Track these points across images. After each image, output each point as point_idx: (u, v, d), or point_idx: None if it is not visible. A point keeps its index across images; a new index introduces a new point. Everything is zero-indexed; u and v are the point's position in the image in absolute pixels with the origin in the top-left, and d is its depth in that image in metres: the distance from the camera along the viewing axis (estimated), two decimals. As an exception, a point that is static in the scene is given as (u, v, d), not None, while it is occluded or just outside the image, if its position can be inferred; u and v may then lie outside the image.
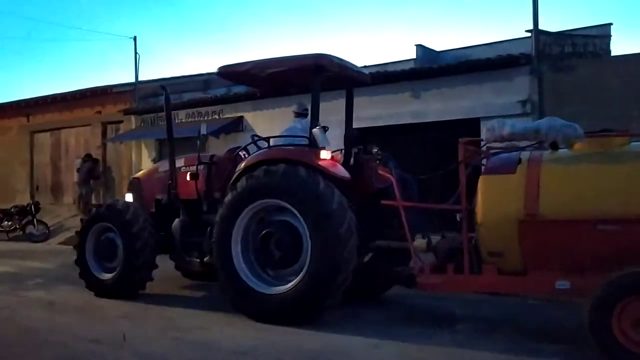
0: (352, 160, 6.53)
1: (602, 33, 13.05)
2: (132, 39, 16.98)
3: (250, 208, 5.85)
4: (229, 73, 6.87)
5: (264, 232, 5.84)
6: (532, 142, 5.06)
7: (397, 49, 50.65)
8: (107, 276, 6.93)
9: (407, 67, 12.68)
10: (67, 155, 18.06)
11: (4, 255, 11.35)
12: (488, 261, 4.96)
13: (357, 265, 5.73)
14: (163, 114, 15.16)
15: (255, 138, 6.72)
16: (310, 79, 6.18)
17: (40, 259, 10.66)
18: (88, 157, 16.16)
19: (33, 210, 14.53)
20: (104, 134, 16.99)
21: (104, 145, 16.85)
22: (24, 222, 14.45)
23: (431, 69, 11.17)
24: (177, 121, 15.02)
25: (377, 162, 6.28)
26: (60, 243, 13.70)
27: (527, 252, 4.75)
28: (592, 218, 4.47)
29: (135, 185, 7.68)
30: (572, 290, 4.59)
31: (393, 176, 5.83)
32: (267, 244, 5.82)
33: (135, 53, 16.63)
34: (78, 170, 16.04)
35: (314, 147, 5.92)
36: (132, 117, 16.05)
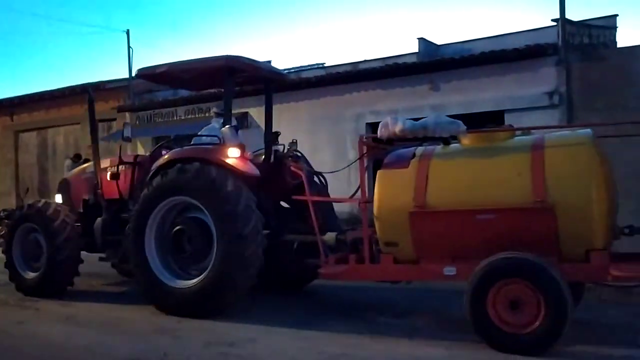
0: (272, 158, 6.80)
1: (608, 24, 12.86)
2: (125, 33, 16.24)
3: (164, 204, 6.14)
4: (148, 75, 7.21)
5: (176, 228, 6.17)
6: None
7: (396, 42, 50.21)
8: (33, 275, 7.17)
9: (409, 60, 12.32)
10: (54, 155, 17.24)
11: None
12: (385, 251, 5.30)
13: (279, 258, 6.39)
14: (160, 110, 14.76)
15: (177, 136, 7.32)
16: (224, 79, 6.57)
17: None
18: (78, 157, 15.37)
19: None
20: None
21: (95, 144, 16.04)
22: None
23: (453, 60, 10.73)
24: (175, 118, 14.43)
25: (290, 159, 6.63)
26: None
27: (418, 241, 5.11)
28: (472, 208, 4.83)
29: (64, 186, 7.90)
30: (458, 275, 4.86)
31: (303, 172, 6.16)
32: (179, 240, 6.15)
33: (129, 47, 15.92)
34: (68, 170, 15.25)
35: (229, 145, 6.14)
36: (127, 114, 15.32)
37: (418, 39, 16.97)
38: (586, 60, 9.43)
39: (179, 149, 6.51)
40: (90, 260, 7.34)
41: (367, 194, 5.44)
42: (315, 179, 6.78)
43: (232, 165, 6.01)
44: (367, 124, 11.49)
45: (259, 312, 6.10)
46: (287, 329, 5.44)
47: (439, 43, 17.62)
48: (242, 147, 6.23)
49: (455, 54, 12.48)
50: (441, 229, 5.01)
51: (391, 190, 5.24)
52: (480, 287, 4.58)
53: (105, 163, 7.34)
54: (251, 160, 6.47)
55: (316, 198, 6.08)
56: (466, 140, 5.28)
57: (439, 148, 5.45)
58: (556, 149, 4.87)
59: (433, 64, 11.08)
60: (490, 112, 10.08)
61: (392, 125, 5.37)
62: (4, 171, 18.14)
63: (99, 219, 7.14)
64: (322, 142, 12.09)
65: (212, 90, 14.25)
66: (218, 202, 5.82)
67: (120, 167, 7.07)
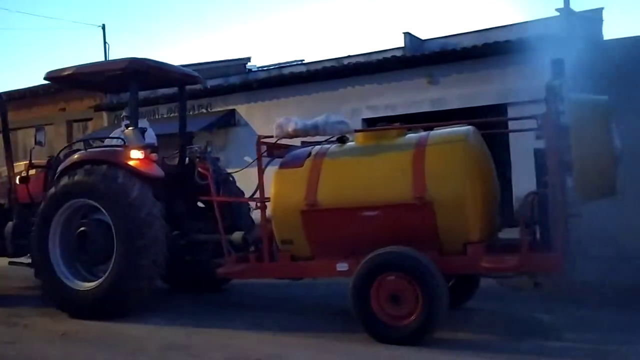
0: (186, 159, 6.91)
1: (594, 17, 12.75)
2: (100, 27, 15.49)
3: (68, 205, 6.15)
4: (56, 78, 7.13)
5: (79, 229, 6.18)
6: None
7: (375, 38, 49.87)
8: None
9: (395, 55, 11.96)
10: (25, 158, 16.28)
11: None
12: (282, 249, 5.42)
13: (194, 258, 6.62)
14: (140, 109, 14.05)
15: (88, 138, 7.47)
16: (128, 81, 6.59)
17: (18, 277, 9.21)
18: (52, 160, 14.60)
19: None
20: (69, 133, 15.40)
21: (70, 146, 15.25)
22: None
23: (454, 51, 10.40)
24: (157, 117, 13.76)
25: (197, 159, 6.53)
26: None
27: (311, 239, 5.24)
28: (358, 205, 4.97)
29: None
30: (350, 271, 4.93)
31: (209, 173, 6.10)
32: (83, 241, 6.16)
33: (105, 43, 15.17)
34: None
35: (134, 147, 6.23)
36: (104, 114, 14.57)
37: (404, 33, 16.69)
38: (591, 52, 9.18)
39: (85, 150, 6.53)
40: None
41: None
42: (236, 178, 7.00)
43: (134, 167, 6.11)
44: (363, 119, 11.10)
45: (273, 324, 5.60)
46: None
47: (423, 38, 17.43)
48: (146, 149, 6.29)
49: (441, 48, 12.20)
50: (331, 227, 5.17)
51: (285, 189, 5.39)
52: (363, 281, 4.77)
53: (19, 167, 7.26)
54: (164, 162, 6.80)
55: (220, 198, 6.13)
56: (360, 139, 5.49)
57: (333, 147, 5.57)
58: (435, 147, 5.04)
59: (431, 56, 10.74)
60: (492, 106, 9.80)
61: (285, 125, 5.59)
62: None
63: (9, 223, 6.97)
64: (315, 138, 11.63)
65: (198, 87, 13.74)
66: (121, 208, 5.88)
67: (31, 170, 7.06)
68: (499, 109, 9.82)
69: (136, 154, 6.23)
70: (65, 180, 6.12)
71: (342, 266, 5.08)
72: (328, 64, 12.06)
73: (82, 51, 49.20)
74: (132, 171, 6.09)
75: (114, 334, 5.47)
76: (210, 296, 6.99)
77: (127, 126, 6.85)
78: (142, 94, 14.19)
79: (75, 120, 15.33)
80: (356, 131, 5.60)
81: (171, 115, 13.47)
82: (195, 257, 6.72)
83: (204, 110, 13.05)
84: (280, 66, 18.02)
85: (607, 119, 4.70)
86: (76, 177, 6.06)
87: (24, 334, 5.58)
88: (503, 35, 10.81)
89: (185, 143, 7.36)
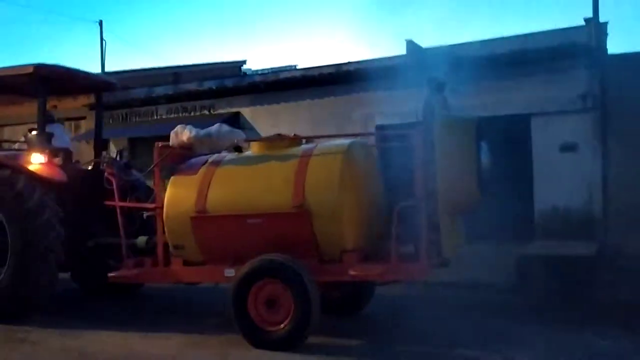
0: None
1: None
2: (97, 23, 14.82)
3: None
4: None
5: None
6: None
7: (377, 44, 49.24)
8: None
9: (397, 62, 11.52)
10: (13, 156, 15.52)
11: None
12: (175, 254, 5.61)
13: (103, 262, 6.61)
14: (138, 109, 13.48)
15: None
16: (36, 87, 6.68)
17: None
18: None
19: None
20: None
21: (61, 145, 14.53)
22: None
23: (473, 59, 9.98)
24: (155, 117, 13.19)
25: (105, 164, 6.83)
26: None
27: (201, 244, 5.45)
28: (243, 213, 5.19)
29: None
30: (236, 277, 5.06)
31: (114, 178, 6.22)
32: None
33: (102, 39, 14.53)
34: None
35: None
36: (99, 113, 13.88)
37: (406, 40, 16.41)
38: (622, 62, 8.95)
39: None
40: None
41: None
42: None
43: (35, 172, 6.18)
44: (377, 125, 10.68)
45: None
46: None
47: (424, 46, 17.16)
48: (49, 153, 6.40)
49: (443, 57, 11.86)
50: (219, 233, 5.36)
51: (178, 195, 5.60)
52: (241, 287, 4.99)
53: None
54: (77, 167, 7.19)
55: (121, 203, 6.17)
56: (254, 148, 5.80)
57: (229, 155, 5.85)
58: (318, 158, 5.26)
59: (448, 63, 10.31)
60: (514, 115, 9.48)
61: (180, 134, 5.90)
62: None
63: None
64: (325, 144, 11.21)
65: (201, 88, 13.20)
66: (17, 215, 6.00)
67: None
68: (523, 119, 9.52)
69: (38, 159, 6.33)
70: None
71: (229, 272, 5.20)
72: (326, 71, 11.65)
73: (78, 46, 48.00)
74: (33, 176, 6.16)
75: (132, 351, 4.96)
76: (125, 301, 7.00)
77: (29, 130, 6.97)
78: (141, 94, 13.71)
79: (68, 119, 14.60)
80: (250, 141, 6.03)
81: (171, 116, 12.93)
82: (105, 261, 6.66)
83: (207, 112, 12.50)
84: (275, 70, 17.59)
85: (473, 138, 5.07)
86: None
87: (33, 353, 5.02)
88: (512, 45, 10.51)
89: (100, 148, 7.66)
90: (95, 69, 14.65)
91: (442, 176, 4.89)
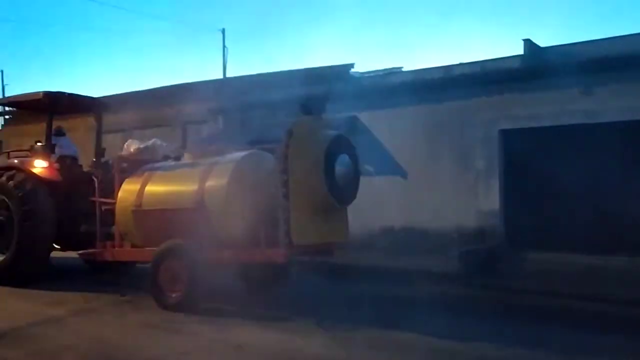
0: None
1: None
2: (220, 32, 15.60)
3: None
4: (9, 103, 10.60)
5: None
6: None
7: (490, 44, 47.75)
8: None
9: (513, 65, 11.03)
10: (140, 157, 16.71)
11: (108, 271, 10.02)
12: (125, 239, 7.72)
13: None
14: (255, 112, 14.04)
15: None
16: (45, 109, 9.31)
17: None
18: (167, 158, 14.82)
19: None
20: (184, 134, 15.62)
21: (184, 149, 15.46)
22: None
23: (615, 59, 9.40)
24: (273, 121, 13.63)
25: (90, 166, 9.50)
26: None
27: (138, 232, 7.42)
28: (162, 208, 7.08)
29: None
30: None
31: (96, 178, 8.27)
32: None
33: (224, 46, 15.31)
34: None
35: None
36: (220, 117, 14.64)
37: (523, 40, 15.80)
38: None
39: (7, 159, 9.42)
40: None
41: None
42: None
43: (36, 173, 8.60)
44: (500, 130, 10.42)
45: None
46: None
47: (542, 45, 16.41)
48: (50, 159, 8.89)
49: (561, 57, 11.30)
50: (149, 223, 7.23)
51: (126, 194, 7.59)
52: (155, 263, 6.88)
53: None
54: (81, 170, 9.55)
55: (97, 199, 8.03)
56: (186, 157, 7.85)
57: (166, 163, 7.93)
58: (218, 166, 7.00)
59: (583, 64, 9.80)
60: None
61: (128, 146, 8.52)
62: (87, 173, 17.74)
63: None
64: (442, 150, 11.10)
65: (310, 93, 13.50)
66: (18, 203, 8.36)
67: None
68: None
69: (41, 163, 8.77)
70: None
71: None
72: (436, 73, 11.45)
73: (202, 54, 50.87)
74: (36, 176, 8.56)
75: (291, 349, 5.20)
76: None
77: (35, 142, 9.28)
78: (256, 99, 14.25)
79: (191, 123, 15.55)
80: (186, 151, 8.26)
81: (287, 119, 13.31)
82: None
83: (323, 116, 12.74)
84: (383, 73, 17.57)
85: (324, 152, 6.49)
86: None
87: (195, 344, 5.40)
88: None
89: (100, 154, 9.75)
90: (218, 74, 15.38)
91: (296, 182, 6.34)
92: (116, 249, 7.73)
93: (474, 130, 10.67)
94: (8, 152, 9.82)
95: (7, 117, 22.02)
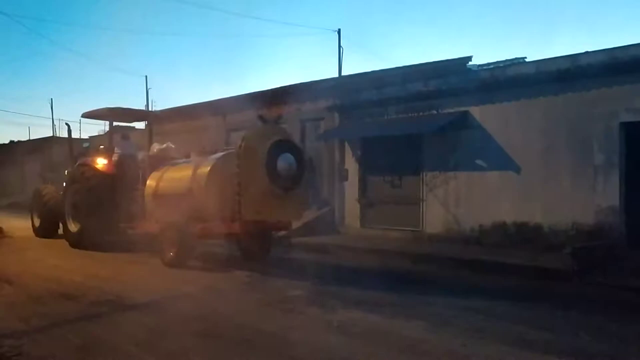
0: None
1: None
2: (336, 32, 16.22)
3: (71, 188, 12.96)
4: (90, 115, 14.15)
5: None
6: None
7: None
8: None
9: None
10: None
11: (234, 256, 11.06)
12: (151, 216, 10.99)
13: None
14: (369, 110, 14.49)
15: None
16: (109, 119, 13.63)
17: (272, 263, 10.06)
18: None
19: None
20: (302, 132, 16.46)
21: (303, 144, 16.29)
22: (232, 221, 14.28)
23: None
24: (385, 117, 14.00)
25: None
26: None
27: (156, 211, 10.66)
28: (171, 193, 10.19)
29: None
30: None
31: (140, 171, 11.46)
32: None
33: (339, 46, 15.87)
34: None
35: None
36: (336, 114, 15.26)
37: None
38: None
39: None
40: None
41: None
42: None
43: (99, 167, 12.36)
44: (621, 123, 9.91)
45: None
46: None
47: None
48: (110, 157, 12.45)
49: None
50: (162, 204, 10.42)
51: (151, 182, 10.79)
52: (161, 234, 9.95)
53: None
54: (134, 165, 12.05)
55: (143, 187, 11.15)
56: (191, 156, 10.98)
57: (181, 160, 11.08)
58: (204, 163, 9.89)
59: None
60: None
61: (153, 148, 12.09)
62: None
63: None
64: (558, 144, 10.77)
65: (427, 88, 13.69)
66: (86, 189, 12.17)
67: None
68: None
69: (102, 161, 12.46)
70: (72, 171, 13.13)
71: None
72: (561, 64, 10.98)
73: (318, 55, 52.98)
74: (97, 170, 12.30)
75: (385, 331, 5.59)
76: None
77: (99, 145, 13.48)
78: (372, 96, 14.69)
79: (308, 120, 16.34)
80: (192, 152, 11.25)
81: (400, 116, 13.61)
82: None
83: (434, 112, 12.87)
84: (503, 65, 17.12)
85: (266, 152, 8.83)
86: (74, 171, 12.89)
87: (301, 322, 5.97)
88: None
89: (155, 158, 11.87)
90: (333, 73, 15.98)
91: (248, 175, 8.88)
92: (149, 224, 10.77)
93: (593, 123, 10.23)
94: (89, 152, 13.79)
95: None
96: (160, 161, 11.21)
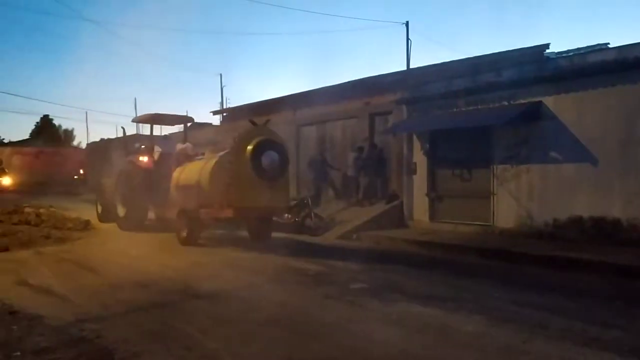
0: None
1: None
2: (404, 25, 16.09)
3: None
4: (138, 121, 17.38)
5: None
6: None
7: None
8: None
9: None
10: (333, 148, 18.06)
11: (302, 250, 11.32)
12: (175, 204, 12.99)
13: None
14: (438, 102, 14.28)
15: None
16: (151, 124, 16.28)
17: (339, 257, 10.22)
18: (360, 150, 15.84)
19: (310, 203, 14.57)
20: (371, 125, 16.48)
21: (371, 137, 16.34)
22: (302, 214, 14.54)
23: None
24: (455, 110, 13.74)
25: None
26: (338, 237, 13.42)
27: (178, 200, 12.70)
28: (186, 184, 12.32)
29: None
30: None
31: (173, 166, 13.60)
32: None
33: (407, 39, 15.71)
34: (353, 162, 15.81)
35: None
36: (404, 107, 15.15)
37: None
38: None
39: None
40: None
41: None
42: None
43: (140, 163, 14.85)
44: None
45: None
46: None
47: None
48: (150, 155, 14.84)
49: None
50: (180, 194, 12.51)
51: (176, 175, 12.92)
52: (177, 217, 12.33)
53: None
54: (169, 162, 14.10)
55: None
56: (206, 154, 13.19)
57: (198, 157, 13.32)
58: (210, 160, 11.89)
59: None
60: None
61: (179, 146, 14.37)
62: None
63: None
64: (639, 134, 10.19)
65: (499, 79, 13.33)
66: (125, 180, 14.89)
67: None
68: None
69: (143, 158, 14.86)
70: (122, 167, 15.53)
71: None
72: None
73: (386, 48, 52.82)
74: (138, 166, 14.75)
75: (444, 325, 5.57)
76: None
77: (140, 145, 15.97)
78: (441, 88, 14.47)
79: (377, 114, 16.32)
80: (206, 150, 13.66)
81: (469, 108, 13.32)
82: None
83: (505, 103, 12.48)
84: (583, 52, 16.34)
85: (252, 150, 10.88)
86: (123, 166, 15.39)
87: (361, 315, 6.04)
88: None
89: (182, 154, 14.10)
90: (401, 66, 15.87)
91: (239, 169, 10.87)
92: (168, 209, 13.05)
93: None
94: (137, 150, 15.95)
95: (224, 114, 25.32)
96: (185, 158, 13.44)
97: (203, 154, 13.38)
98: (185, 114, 18.26)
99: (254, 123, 11.47)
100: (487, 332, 5.25)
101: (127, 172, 14.91)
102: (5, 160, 35.68)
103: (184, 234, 11.81)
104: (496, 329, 5.37)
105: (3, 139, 59.30)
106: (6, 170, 36.84)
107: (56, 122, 67.48)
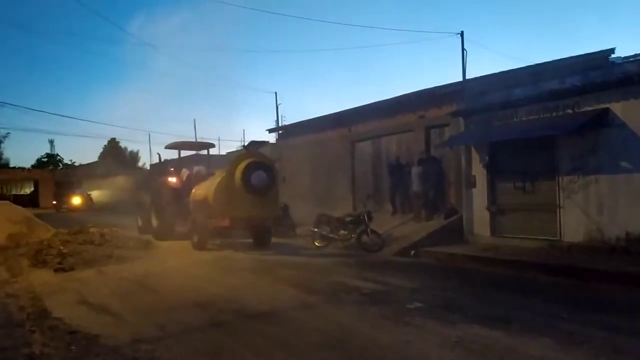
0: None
1: None
2: (459, 35, 15.75)
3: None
4: (171, 147, 19.45)
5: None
6: None
7: None
8: None
9: None
10: (387, 162, 17.79)
11: (358, 267, 11.10)
12: (195, 217, 15.50)
13: None
14: (496, 112, 13.79)
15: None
16: (178, 150, 19.70)
17: (396, 274, 9.94)
18: (420, 162, 15.56)
19: (366, 219, 14.35)
20: (427, 139, 16.14)
21: (428, 151, 15.99)
22: (358, 231, 14.32)
23: None
24: (515, 120, 13.24)
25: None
26: (396, 254, 13.12)
27: (194, 213, 15.31)
28: (198, 199, 15.15)
29: None
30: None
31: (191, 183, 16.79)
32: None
33: (463, 49, 15.36)
34: (416, 175, 15.53)
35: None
36: (461, 119, 14.74)
37: None
38: None
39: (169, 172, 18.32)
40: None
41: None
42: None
43: (169, 183, 17.53)
44: None
45: None
46: None
47: None
48: (178, 176, 17.68)
49: None
50: (195, 208, 15.25)
51: (194, 192, 15.69)
52: (191, 226, 15.16)
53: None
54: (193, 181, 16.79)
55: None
56: (217, 172, 15.43)
57: (210, 177, 15.96)
58: (219, 174, 14.84)
59: None
60: None
61: (197, 169, 18.19)
62: (342, 179, 19.57)
63: None
64: None
65: (562, 86, 12.74)
66: (161, 199, 17.37)
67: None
68: None
69: (172, 179, 17.55)
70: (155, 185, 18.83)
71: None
72: None
73: (441, 59, 52.18)
74: (168, 184, 17.41)
75: (506, 348, 5.23)
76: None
77: (170, 167, 18.86)
78: (500, 97, 13.97)
79: (433, 127, 15.98)
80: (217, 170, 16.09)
81: (531, 117, 12.79)
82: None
83: (570, 111, 11.89)
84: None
85: (243, 169, 13.77)
86: (156, 185, 18.50)
87: (417, 335, 5.79)
88: None
89: (210, 173, 16.66)
90: (457, 77, 15.48)
91: (233, 185, 13.72)
92: (187, 222, 15.46)
93: None
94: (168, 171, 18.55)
95: (279, 132, 25.54)
96: (202, 177, 16.39)
97: (213, 173, 15.81)
98: (242, 132, 21.44)
99: (246, 148, 14.60)
100: (555, 357, 4.90)
101: (159, 190, 17.70)
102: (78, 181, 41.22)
103: (195, 240, 14.32)
104: (565, 353, 5.00)
105: (74, 162, 62.48)
106: (92, 199, 40.53)
107: (122, 144, 70.25)
